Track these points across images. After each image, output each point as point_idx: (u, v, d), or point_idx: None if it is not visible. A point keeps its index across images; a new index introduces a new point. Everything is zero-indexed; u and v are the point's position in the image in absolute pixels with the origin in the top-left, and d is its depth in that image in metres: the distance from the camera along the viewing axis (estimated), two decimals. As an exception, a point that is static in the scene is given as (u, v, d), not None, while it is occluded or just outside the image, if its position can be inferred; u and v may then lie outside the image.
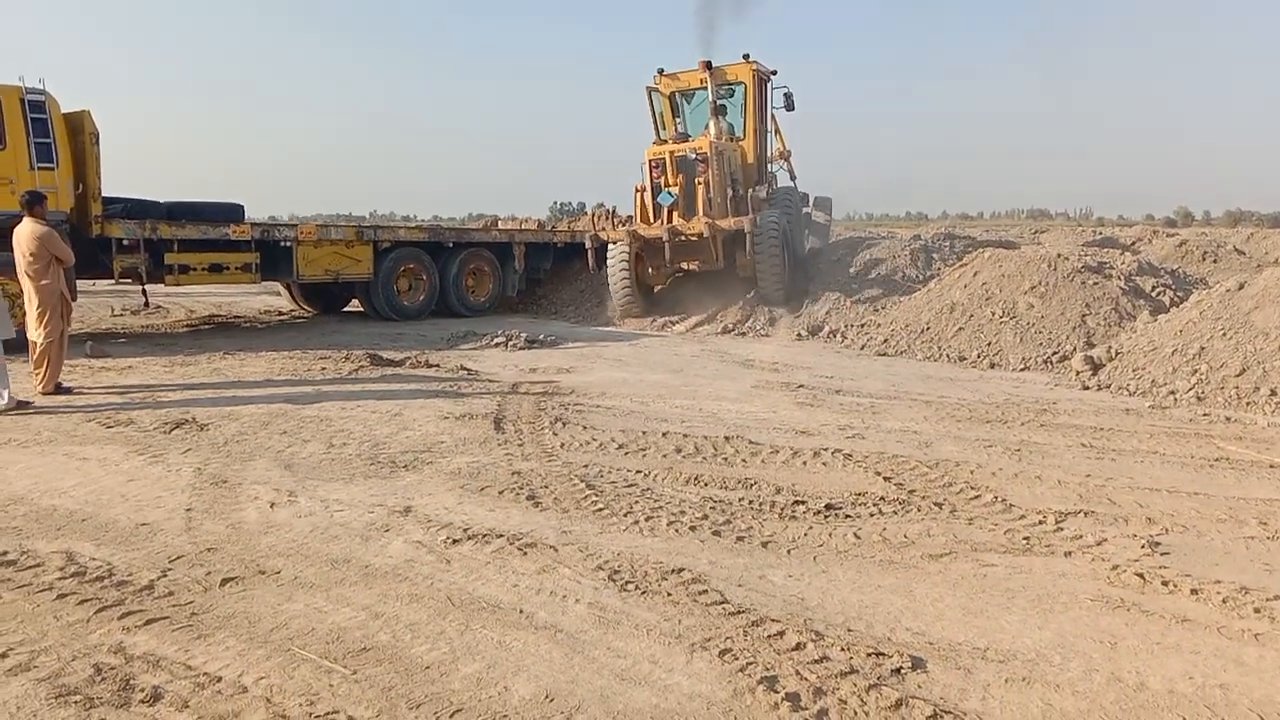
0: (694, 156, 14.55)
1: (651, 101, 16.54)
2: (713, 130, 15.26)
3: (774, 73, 16.52)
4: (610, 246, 15.07)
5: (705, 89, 15.58)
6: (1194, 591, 3.98)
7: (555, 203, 48.88)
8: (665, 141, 15.56)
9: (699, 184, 14.41)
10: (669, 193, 14.67)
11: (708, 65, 15.33)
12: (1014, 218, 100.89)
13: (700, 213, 14.30)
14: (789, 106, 16.54)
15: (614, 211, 15.53)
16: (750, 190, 15.45)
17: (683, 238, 14.33)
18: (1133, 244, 21.46)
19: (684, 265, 15.49)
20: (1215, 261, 18.38)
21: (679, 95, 16.53)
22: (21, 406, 7.58)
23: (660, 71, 16.44)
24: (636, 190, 15.33)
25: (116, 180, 11.19)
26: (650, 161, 14.96)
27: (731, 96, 16.10)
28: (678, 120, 16.42)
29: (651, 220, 14.95)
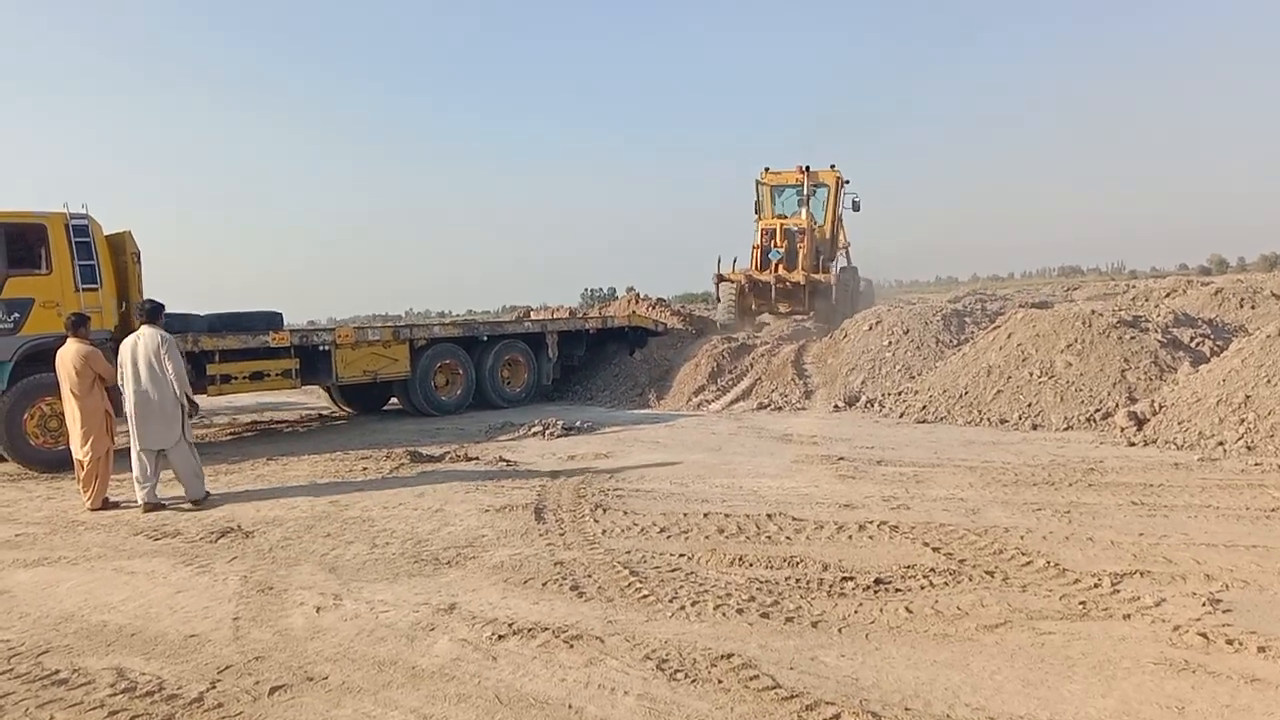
0: (795, 229, 20.19)
1: (757, 190, 21.80)
2: (804, 215, 20.50)
3: (848, 181, 21.81)
4: (723, 283, 20.46)
5: (798, 185, 21.04)
6: (1261, 649, 3.86)
7: (586, 289, 49.49)
8: (775, 217, 21.07)
9: (800, 247, 19.90)
10: (778, 250, 20.05)
11: (806, 169, 20.77)
12: (1045, 276, 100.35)
13: (800, 267, 19.77)
14: (855, 208, 21.82)
15: (734, 262, 20.94)
16: (829, 261, 21.32)
17: (784, 284, 19.95)
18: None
19: (780, 308, 20.92)
20: (1253, 308, 18.10)
21: (774, 188, 21.75)
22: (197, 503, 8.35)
23: (766, 169, 21.81)
24: (753, 247, 20.73)
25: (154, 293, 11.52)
26: (764, 229, 20.57)
27: (815, 194, 21.22)
28: (773, 204, 21.63)
29: (760, 270, 20.30)
